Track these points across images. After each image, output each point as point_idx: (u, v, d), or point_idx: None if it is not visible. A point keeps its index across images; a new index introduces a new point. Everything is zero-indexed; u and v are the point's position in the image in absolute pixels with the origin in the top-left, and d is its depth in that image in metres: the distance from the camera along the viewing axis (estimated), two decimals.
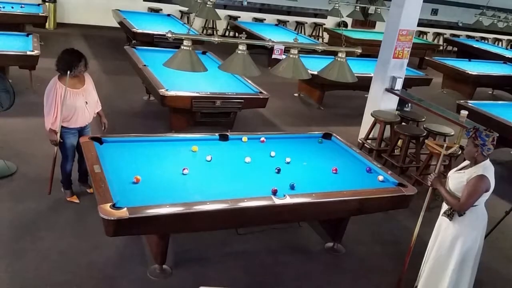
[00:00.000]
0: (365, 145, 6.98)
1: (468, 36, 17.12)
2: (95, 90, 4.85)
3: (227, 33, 14.13)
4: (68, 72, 4.41)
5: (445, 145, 4.29)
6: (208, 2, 7.24)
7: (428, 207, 4.01)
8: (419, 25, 7.32)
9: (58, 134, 4.54)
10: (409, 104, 7.40)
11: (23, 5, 10.27)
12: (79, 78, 4.62)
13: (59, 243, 4.18)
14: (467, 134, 3.61)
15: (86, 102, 4.67)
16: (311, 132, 5.68)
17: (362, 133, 7.26)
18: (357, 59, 9.03)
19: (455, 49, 15.86)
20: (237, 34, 12.28)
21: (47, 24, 11.04)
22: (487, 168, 3.55)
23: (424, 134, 6.46)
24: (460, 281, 3.74)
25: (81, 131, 4.74)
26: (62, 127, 4.54)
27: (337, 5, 10.08)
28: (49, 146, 4.88)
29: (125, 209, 3.27)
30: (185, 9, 11.82)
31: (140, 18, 10.82)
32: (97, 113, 4.91)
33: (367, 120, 7.13)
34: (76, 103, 4.57)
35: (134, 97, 8.00)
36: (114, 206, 3.28)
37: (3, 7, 9.74)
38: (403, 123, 6.96)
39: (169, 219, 3.43)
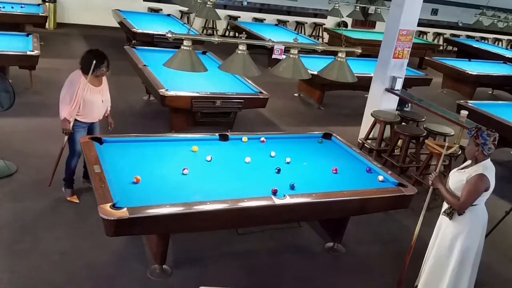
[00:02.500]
0: (365, 145, 6.98)
1: (468, 36, 17.12)
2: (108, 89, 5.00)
3: (227, 33, 14.13)
4: (91, 72, 4.58)
5: (446, 145, 4.29)
6: (208, 2, 7.25)
7: (428, 207, 4.01)
8: (419, 25, 7.32)
9: (71, 124, 4.65)
10: (409, 104, 7.40)
11: (23, 5, 10.26)
12: (98, 78, 4.78)
13: (59, 243, 4.18)
14: (469, 133, 3.62)
15: (102, 101, 4.85)
16: (311, 132, 5.68)
17: (362, 133, 7.26)
18: (357, 59, 9.03)
19: (455, 49, 15.86)
20: (237, 34, 12.28)
21: (47, 24, 11.02)
22: (487, 168, 3.55)
23: (424, 134, 6.46)
24: (460, 280, 3.74)
25: (90, 126, 4.89)
26: (76, 120, 4.68)
27: (337, 5, 10.08)
28: (49, 146, 4.91)
29: (125, 209, 3.27)
30: (185, 9, 11.83)
31: (140, 18, 10.82)
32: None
33: (367, 120, 7.12)
34: (94, 99, 4.74)
35: (134, 97, 7.99)
36: (114, 206, 3.28)
37: (3, 7, 9.74)
38: (403, 123, 6.96)
39: (169, 219, 3.43)
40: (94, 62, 4.56)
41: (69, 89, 4.62)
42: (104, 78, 4.90)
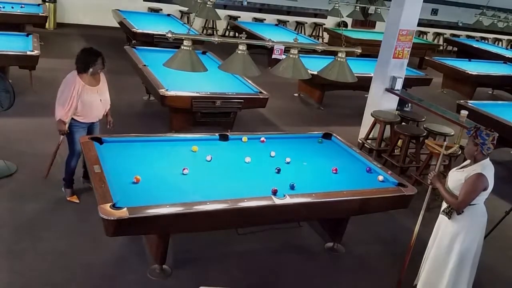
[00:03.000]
0: (365, 145, 6.98)
1: (468, 36, 17.11)
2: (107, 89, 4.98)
3: (227, 33, 14.13)
4: (89, 70, 4.60)
5: (444, 144, 4.29)
6: (208, 2, 7.24)
7: (428, 207, 4.01)
8: (419, 25, 7.32)
9: (67, 125, 4.66)
10: (409, 104, 7.40)
11: (23, 5, 10.26)
12: (95, 76, 4.76)
13: (59, 243, 4.18)
14: (468, 133, 3.63)
15: (101, 100, 4.83)
16: (311, 132, 5.68)
17: (362, 133, 7.26)
18: (357, 59, 9.02)
19: (455, 49, 15.86)
20: (237, 34, 12.28)
21: (47, 24, 11.03)
22: (486, 167, 3.55)
23: (424, 134, 6.46)
24: (459, 279, 3.74)
25: (90, 126, 4.88)
26: (75, 120, 4.70)
27: (337, 5, 10.09)
28: (49, 146, 4.89)
29: (125, 209, 3.27)
30: (185, 9, 11.82)
31: (140, 18, 10.82)
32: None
33: (367, 120, 7.12)
34: (92, 99, 4.72)
35: (134, 97, 7.99)
36: (114, 206, 3.28)
37: (3, 7, 9.74)
38: (403, 123, 6.96)
39: (169, 219, 3.43)
40: (94, 67, 4.60)
41: (63, 90, 4.62)
42: (103, 77, 4.88)
